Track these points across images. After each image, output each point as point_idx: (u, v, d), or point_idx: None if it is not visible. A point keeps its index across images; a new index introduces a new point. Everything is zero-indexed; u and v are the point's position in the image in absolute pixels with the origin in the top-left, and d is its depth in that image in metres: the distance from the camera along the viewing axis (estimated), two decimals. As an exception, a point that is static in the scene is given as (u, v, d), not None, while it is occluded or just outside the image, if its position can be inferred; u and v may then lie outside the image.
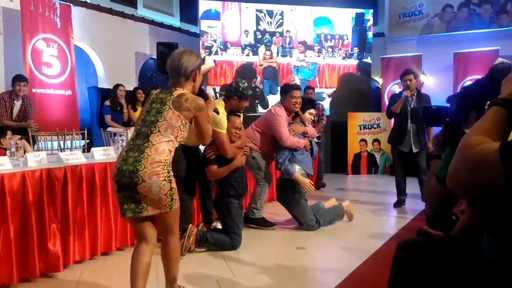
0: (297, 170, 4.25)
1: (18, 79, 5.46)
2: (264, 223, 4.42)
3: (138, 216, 2.33)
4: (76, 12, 7.38)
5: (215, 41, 8.64)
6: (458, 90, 8.04)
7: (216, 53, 8.67)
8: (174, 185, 2.34)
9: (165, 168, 2.30)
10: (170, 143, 2.37)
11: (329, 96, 9.09)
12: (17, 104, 5.49)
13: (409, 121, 5.11)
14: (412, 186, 5.39)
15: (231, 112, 3.81)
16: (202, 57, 8.51)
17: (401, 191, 5.40)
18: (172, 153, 2.39)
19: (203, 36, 8.61)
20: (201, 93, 2.80)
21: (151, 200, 2.27)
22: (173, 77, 2.55)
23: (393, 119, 5.45)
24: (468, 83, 8.22)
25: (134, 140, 2.38)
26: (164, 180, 2.28)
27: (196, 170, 3.80)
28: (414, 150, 5.13)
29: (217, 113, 3.27)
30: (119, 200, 2.35)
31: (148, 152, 2.28)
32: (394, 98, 5.38)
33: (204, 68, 8.49)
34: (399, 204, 5.40)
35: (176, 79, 2.53)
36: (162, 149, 2.32)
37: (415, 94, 5.20)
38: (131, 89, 7.21)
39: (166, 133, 2.36)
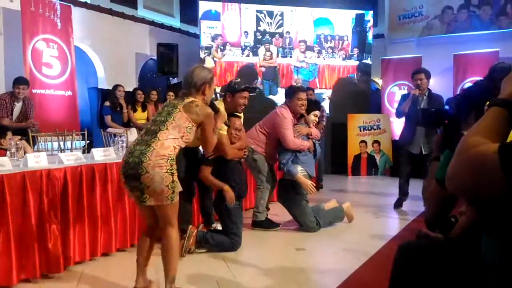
0: (299, 171, 4.24)
1: (18, 82, 5.46)
2: (268, 225, 4.42)
3: (142, 205, 2.52)
4: (76, 12, 7.38)
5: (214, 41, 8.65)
6: (458, 92, 8.05)
7: (222, 51, 8.68)
8: (176, 178, 2.49)
9: (168, 162, 2.45)
10: (176, 140, 2.54)
11: (329, 98, 9.09)
12: (18, 106, 5.49)
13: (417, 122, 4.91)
14: (415, 187, 5.33)
15: (231, 113, 3.80)
16: (202, 58, 8.52)
17: (402, 192, 5.30)
18: (177, 150, 2.55)
19: (216, 39, 8.62)
20: (212, 106, 2.98)
21: (153, 190, 2.42)
22: (185, 88, 2.79)
23: (404, 119, 5.27)
24: (468, 84, 8.23)
25: (143, 136, 2.59)
26: (167, 172, 2.43)
27: (196, 171, 3.79)
28: (424, 151, 4.98)
29: (228, 126, 3.40)
30: (127, 190, 2.56)
31: (154, 146, 2.46)
32: (404, 97, 5.23)
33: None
34: (399, 203, 5.33)
35: (187, 90, 2.76)
36: (167, 144, 2.50)
37: (426, 94, 5.04)
38: (131, 90, 7.21)
39: (173, 131, 2.55)
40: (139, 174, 2.40)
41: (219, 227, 3.86)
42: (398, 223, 4.77)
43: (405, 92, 8.78)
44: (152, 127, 2.59)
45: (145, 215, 2.72)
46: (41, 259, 2.93)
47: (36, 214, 2.90)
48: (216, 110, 2.95)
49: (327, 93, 9.10)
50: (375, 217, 5.04)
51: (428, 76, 5.03)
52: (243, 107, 3.85)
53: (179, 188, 2.53)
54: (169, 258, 2.56)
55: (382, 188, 7.11)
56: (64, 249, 3.07)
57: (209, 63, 8.58)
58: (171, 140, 2.51)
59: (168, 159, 2.46)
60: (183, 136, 2.57)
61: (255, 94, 4.03)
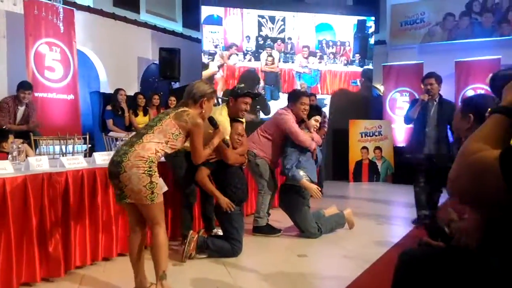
0: (303, 176, 4.23)
1: (23, 87, 5.47)
2: (269, 230, 4.40)
3: (122, 203, 2.61)
4: (79, 16, 7.41)
5: (216, 46, 8.67)
6: (460, 100, 8.05)
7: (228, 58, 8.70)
8: (155, 179, 2.56)
9: (146, 163, 2.53)
10: (159, 144, 2.64)
11: (330, 103, 9.08)
12: (21, 109, 5.52)
13: (428, 127, 4.68)
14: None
15: (234, 119, 3.81)
16: (206, 63, 8.53)
17: (421, 205, 4.76)
18: (159, 154, 2.65)
19: (232, 48, 8.67)
20: (211, 122, 3.12)
21: (131, 190, 2.52)
22: (184, 98, 2.91)
23: (413, 126, 4.95)
24: (470, 92, 8.24)
25: (132, 137, 2.73)
26: (144, 173, 2.51)
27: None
28: (434, 159, 4.64)
29: (227, 144, 3.45)
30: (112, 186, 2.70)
31: (136, 147, 2.57)
32: (413, 103, 4.90)
33: (207, 73, 8.53)
34: (419, 221, 4.74)
35: (185, 100, 2.89)
36: (149, 146, 2.59)
37: (437, 100, 4.72)
38: (133, 94, 7.22)
39: (158, 135, 2.65)
40: (117, 173, 2.51)
41: (220, 232, 3.85)
42: (400, 230, 4.75)
43: (407, 98, 8.82)
44: (142, 130, 2.75)
45: (128, 215, 2.81)
46: (41, 263, 2.93)
47: (37, 218, 2.90)
48: (215, 126, 3.05)
49: (328, 99, 9.11)
50: (376, 223, 5.02)
51: (439, 81, 4.74)
52: (245, 112, 3.86)
53: (160, 189, 2.60)
54: (157, 256, 2.63)
55: (383, 195, 7.10)
56: (65, 253, 3.07)
57: (212, 68, 8.60)
58: (154, 143, 2.61)
59: (147, 160, 2.53)
60: (168, 141, 2.67)
61: (257, 99, 4.03)
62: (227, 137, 3.64)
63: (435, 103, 4.74)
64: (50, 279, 2.99)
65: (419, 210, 4.79)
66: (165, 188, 2.85)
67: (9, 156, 3.49)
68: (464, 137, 1.78)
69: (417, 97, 6.60)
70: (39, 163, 3.13)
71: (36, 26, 6.37)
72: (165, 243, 2.65)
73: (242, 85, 4.00)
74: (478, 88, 8.17)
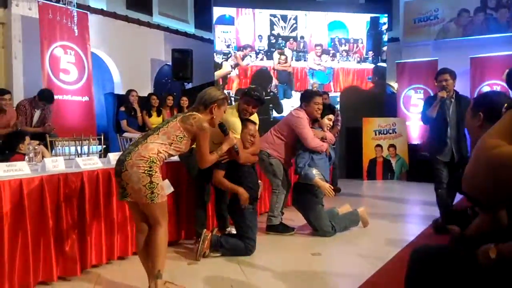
0: (316, 175, 4.22)
1: (46, 99, 5.55)
2: (283, 229, 4.41)
3: (124, 200, 2.66)
4: (93, 19, 7.50)
5: (228, 46, 8.70)
6: (475, 96, 7.95)
7: (242, 59, 8.72)
8: (155, 180, 2.58)
9: (147, 163, 2.56)
10: (163, 145, 2.68)
11: (343, 101, 9.03)
12: (37, 112, 5.62)
13: (449, 126, 4.46)
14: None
15: (247, 119, 3.82)
16: (220, 63, 8.56)
17: (445, 207, 4.50)
18: (162, 155, 2.67)
19: (247, 49, 8.68)
20: (222, 128, 3.12)
21: (131, 188, 2.56)
22: (195, 104, 2.96)
23: (429, 125, 4.77)
24: (486, 88, 8.13)
25: (139, 138, 2.79)
26: (144, 173, 2.54)
27: (209, 175, 3.79)
28: (455, 159, 4.45)
29: (237, 153, 3.44)
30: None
31: (139, 147, 2.62)
32: (429, 100, 4.66)
33: (221, 72, 8.56)
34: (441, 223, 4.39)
35: (196, 105, 2.94)
36: (151, 147, 2.63)
37: (454, 96, 4.51)
38: (147, 95, 7.28)
39: (163, 136, 2.70)
40: (120, 171, 2.58)
41: (234, 231, 3.87)
42: (414, 228, 4.71)
43: (421, 95, 8.73)
44: (149, 132, 2.81)
45: (132, 214, 2.86)
46: (58, 262, 2.97)
47: (54, 218, 2.94)
48: (225, 132, 3.07)
49: (341, 97, 9.07)
50: (391, 221, 4.98)
51: (453, 77, 4.52)
52: (246, 112, 3.82)
53: (162, 189, 2.62)
54: (154, 255, 2.64)
55: (398, 193, 7.05)
56: (81, 252, 3.11)
57: (225, 68, 8.63)
58: (157, 144, 2.65)
59: (148, 160, 2.56)
60: (172, 143, 2.70)
61: (260, 104, 3.95)
62: (238, 136, 3.66)
63: (452, 100, 4.53)
64: (66, 278, 3.04)
65: (444, 211, 4.55)
66: (170, 190, 2.86)
67: (26, 157, 3.56)
68: (475, 135, 1.74)
69: (431, 94, 6.50)
70: (55, 164, 3.18)
71: (51, 30, 6.47)
72: (163, 243, 2.67)
73: (254, 86, 4.00)
74: (494, 84, 8.06)
